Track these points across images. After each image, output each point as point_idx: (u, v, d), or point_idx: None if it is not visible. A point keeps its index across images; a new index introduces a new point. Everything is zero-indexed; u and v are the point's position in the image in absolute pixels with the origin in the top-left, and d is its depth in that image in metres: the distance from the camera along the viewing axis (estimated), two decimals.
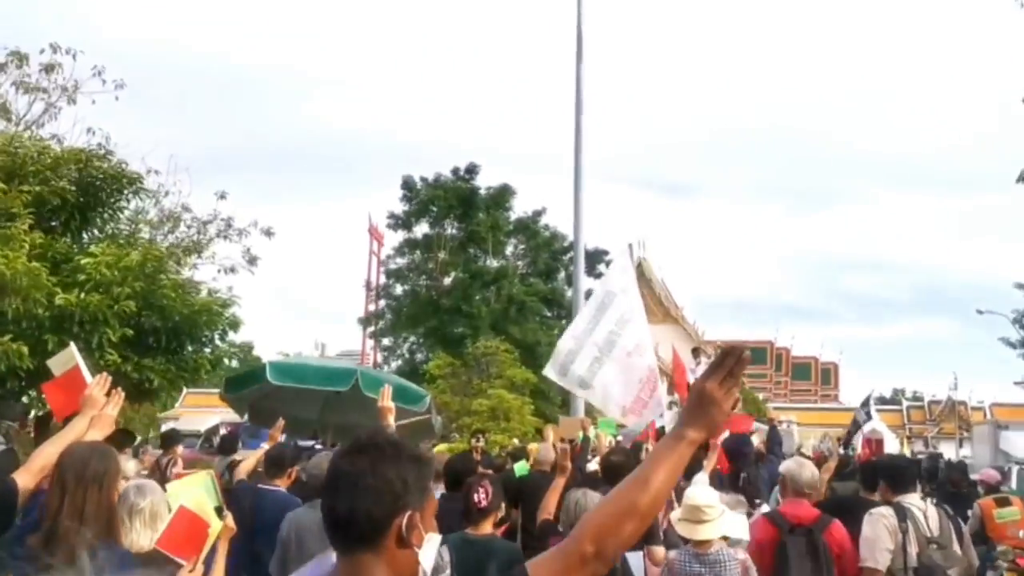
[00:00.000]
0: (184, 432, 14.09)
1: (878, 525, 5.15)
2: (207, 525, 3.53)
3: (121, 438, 7.84)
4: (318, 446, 9.72)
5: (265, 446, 6.85)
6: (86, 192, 11.52)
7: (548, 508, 5.06)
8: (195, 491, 3.72)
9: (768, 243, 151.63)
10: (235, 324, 11.83)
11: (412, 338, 32.33)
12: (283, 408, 9.13)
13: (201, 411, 38.24)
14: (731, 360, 1.77)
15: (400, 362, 31.60)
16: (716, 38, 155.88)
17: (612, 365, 7.99)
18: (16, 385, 10.15)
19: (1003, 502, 8.77)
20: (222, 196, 13.87)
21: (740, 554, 4.91)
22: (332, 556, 1.78)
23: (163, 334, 10.95)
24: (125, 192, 11.91)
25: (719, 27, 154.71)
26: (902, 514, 5.14)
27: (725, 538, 4.89)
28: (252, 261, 14.06)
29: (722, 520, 4.90)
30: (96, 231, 12.03)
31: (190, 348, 11.52)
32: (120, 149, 12.75)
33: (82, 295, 10.06)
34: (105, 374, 4.03)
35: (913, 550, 5.07)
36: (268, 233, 14.22)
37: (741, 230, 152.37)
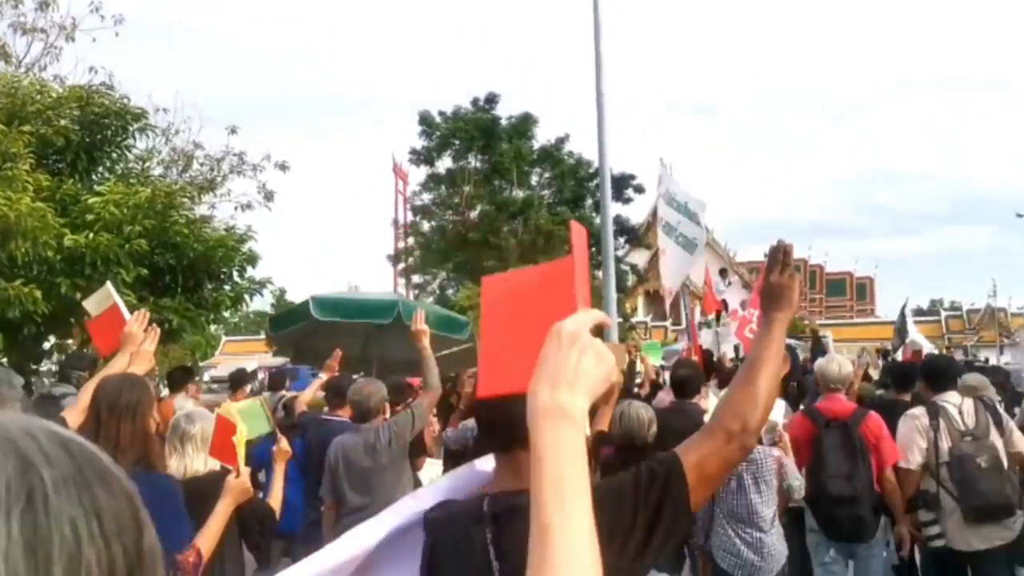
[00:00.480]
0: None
1: (909, 425, 5.29)
2: (235, 430, 3.60)
3: (180, 375, 8.24)
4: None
5: (324, 376, 6.82)
6: (90, 131, 11.07)
7: (603, 421, 5.07)
8: (244, 411, 3.94)
9: (796, 159, 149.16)
10: (252, 259, 11.40)
11: (442, 274, 31.78)
12: (326, 345, 8.98)
13: (239, 358, 38.42)
14: (779, 254, 2.12)
15: (432, 299, 31.10)
16: None
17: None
18: (33, 330, 9.83)
19: None
20: (233, 131, 13.33)
21: (775, 451, 5.13)
22: (479, 466, 2.02)
23: (179, 272, 10.58)
24: (131, 129, 11.41)
25: None
26: (934, 412, 5.23)
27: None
28: (269, 197, 13.58)
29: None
30: (105, 171, 11.59)
31: (209, 286, 11.13)
32: (124, 86, 12.22)
33: (92, 236, 9.68)
34: (144, 310, 4.09)
35: (945, 445, 5.15)
36: (283, 167, 13.67)
37: (768, 147, 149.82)
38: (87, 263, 9.58)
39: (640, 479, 1.78)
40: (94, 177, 11.38)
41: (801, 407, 6.73)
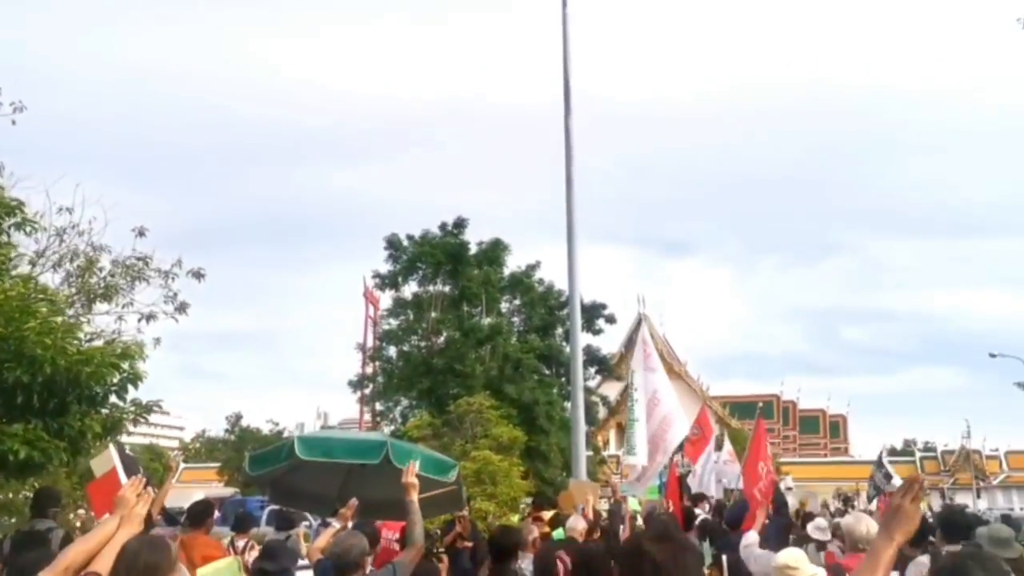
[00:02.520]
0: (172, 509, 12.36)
1: (915, 573, 5.39)
2: None
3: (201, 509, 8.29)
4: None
5: (336, 524, 7.06)
6: None
7: None
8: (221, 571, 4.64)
9: (769, 296, 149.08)
10: (135, 378, 9.25)
11: (405, 401, 29.43)
12: (304, 483, 9.48)
13: (188, 487, 35.39)
14: (916, 485, 2.48)
15: (393, 427, 28.69)
16: (707, 99, 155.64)
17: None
18: None
19: None
20: (141, 233, 11.43)
21: None
22: None
23: (33, 391, 8.38)
24: (2, 223, 9.45)
25: (711, 88, 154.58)
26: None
27: None
28: (181, 308, 11.56)
29: None
30: None
31: (76, 408, 8.93)
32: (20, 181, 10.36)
33: None
34: (140, 476, 4.11)
35: None
36: (198, 275, 11.73)
37: (742, 284, 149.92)
38: None
39: None
40: None
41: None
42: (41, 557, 4.44)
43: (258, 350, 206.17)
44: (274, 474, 9.50)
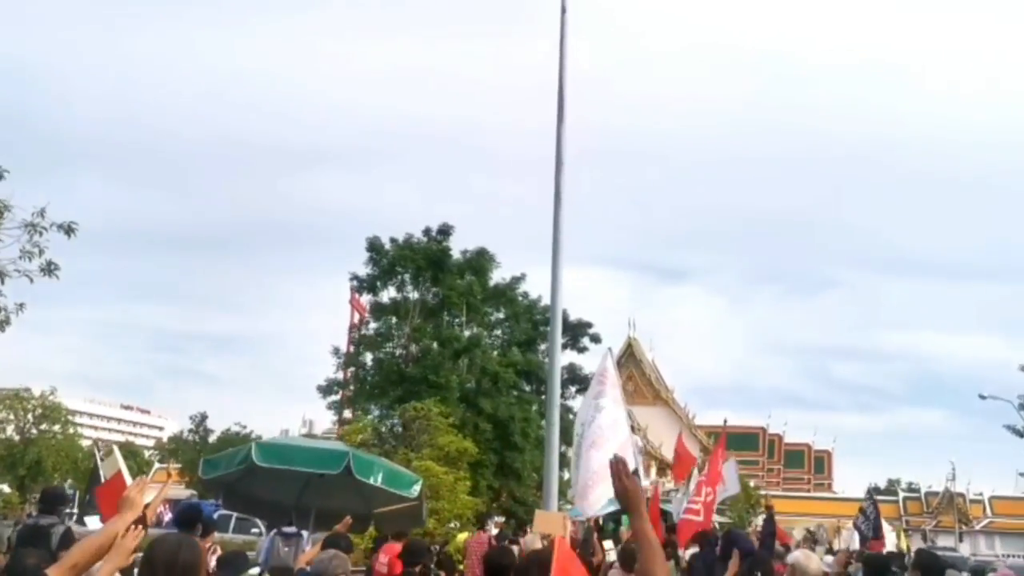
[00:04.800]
0: None
1: None
2: None
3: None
4: (304, 533, 9.10)
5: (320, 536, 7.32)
6: None
7: None
8: None
9: (762, 328, 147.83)
10: None
11: (377, 410, 28.02)
12: (260, 490, 9.39)
13: (149, 487, 33.88)
14: (620, 466, 2.81)
15: (361, 436, 27.31)
16: (710, 126, 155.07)
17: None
18: None
19: None
20: None
21: None
22: None
23: None
24: None
25: (713, 115, 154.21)
26: None
27: None
28: (49, 269, 10.21)
29: None
30: None
31: None
32: None
33: None
34: (144, 477, 4.45)
35: None
36: (68, 230, 10.33)
37: (736, 315, 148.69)
38: None
39: None
40: None
41: None
42: (42, 558, 4.53)
43: (250, 355, 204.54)
44: (229, 478, 9.26)
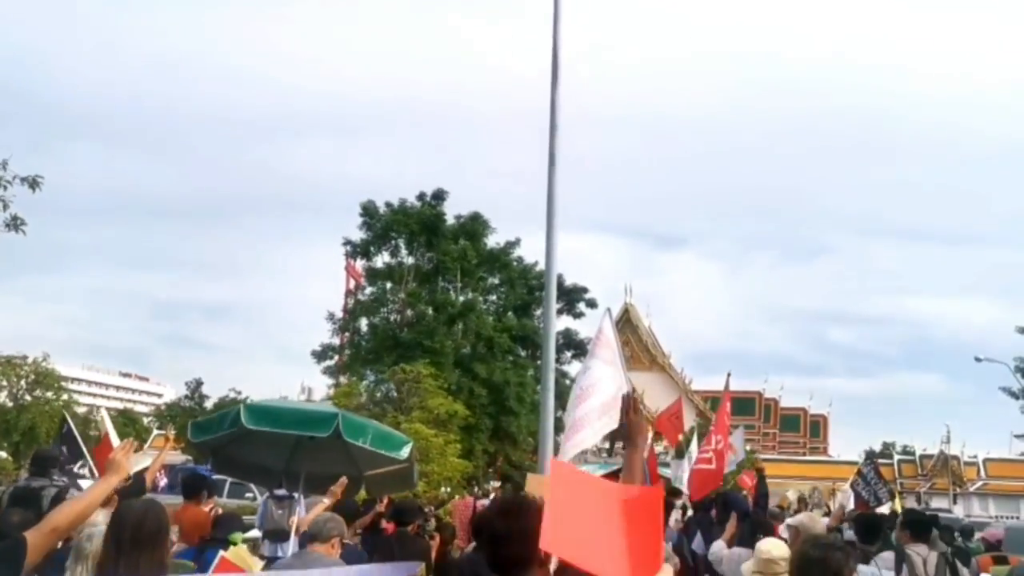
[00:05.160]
0: None
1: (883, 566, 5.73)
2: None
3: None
4: (296, 495, 9.10)
5: (327, 501, 7.27)
6: None
7: None
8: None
9: (758, 293, 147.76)
10: None
11: (372, 375, 27.90)
12: (249, 454, 9.21)
13: (144, 453, 33.80)
14: (633, 400, 3.07)
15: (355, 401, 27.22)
16: (710, 95, 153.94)
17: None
18: None
19: (1001, 560, 8.71)
20: None
21: None
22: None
23: None
24: None
25: (711, 88, 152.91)
26: (900, 558, 5.61)
27: None
28: (15, 224, 9.91)
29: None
30: None
31: None
32: None
33: None
34: (131, 439, 4.21)
35: None
36: (32, 184, 9.98)
37: (732, 280, 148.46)
38: None
39: None
40: None
41: None
42: (26, 520, 4.47)
43: (248, 322, 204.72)
44: (217, 442, 9.08)
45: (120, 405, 75.60)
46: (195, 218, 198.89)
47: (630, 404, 3.00)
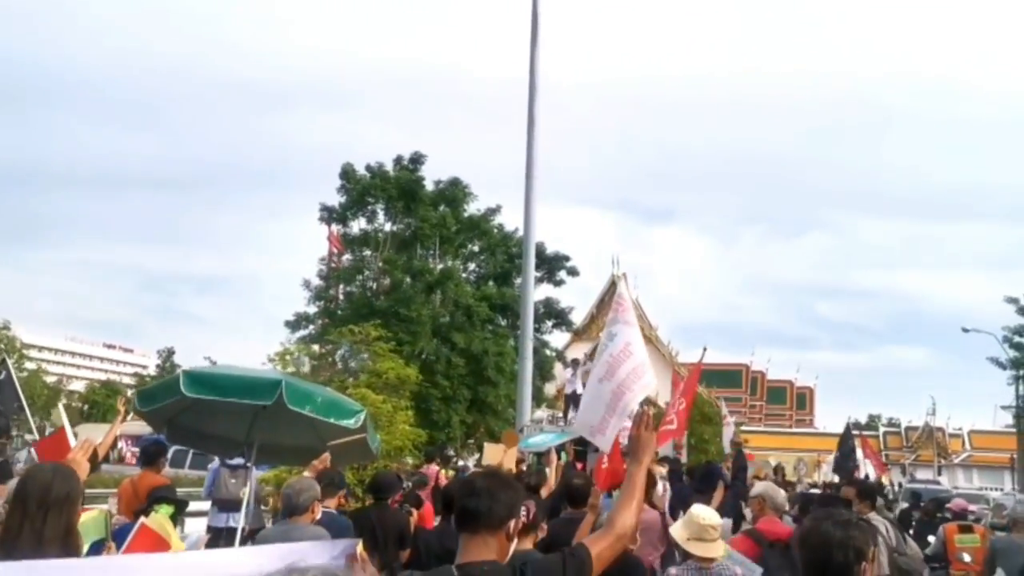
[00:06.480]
0: None
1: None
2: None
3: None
4: (250, 465, 8.87)
5: (308, 473, 7.12)
6: None
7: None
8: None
9: (746, 267, 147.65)
10: None
11: (345, 345, 27.18)
12: (207, 425, 8.83)
13: (99, 426, 33.31)
14: (645, 417, 3.12)
15: (330, 372, 26.55)
16: (699, 72, 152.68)
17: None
18: None
19: (966, 529, 8.98)
20: None
21: (738, 569, 5.04)
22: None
23: None
24: None
25: (703, 61, 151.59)
26: (873, 528, 5.45)
27: None
28: None
29: (723, 538, 5.11)
30: None
31: None
32: None
33: None
34: (88, 439, 4.16)
35: (884, 559, 5.99)
36: None
37: (720, 254, 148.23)
38: None
39: (566, 562, 2.55)
40: None
41: (743, 529, 7.15)
42: None
43: (232, 294, 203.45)
44: (169, 412, 8.61)
45: (104, 376, 74.84)
46: (180, 189, 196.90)
47: (642, 420, 3.01)
